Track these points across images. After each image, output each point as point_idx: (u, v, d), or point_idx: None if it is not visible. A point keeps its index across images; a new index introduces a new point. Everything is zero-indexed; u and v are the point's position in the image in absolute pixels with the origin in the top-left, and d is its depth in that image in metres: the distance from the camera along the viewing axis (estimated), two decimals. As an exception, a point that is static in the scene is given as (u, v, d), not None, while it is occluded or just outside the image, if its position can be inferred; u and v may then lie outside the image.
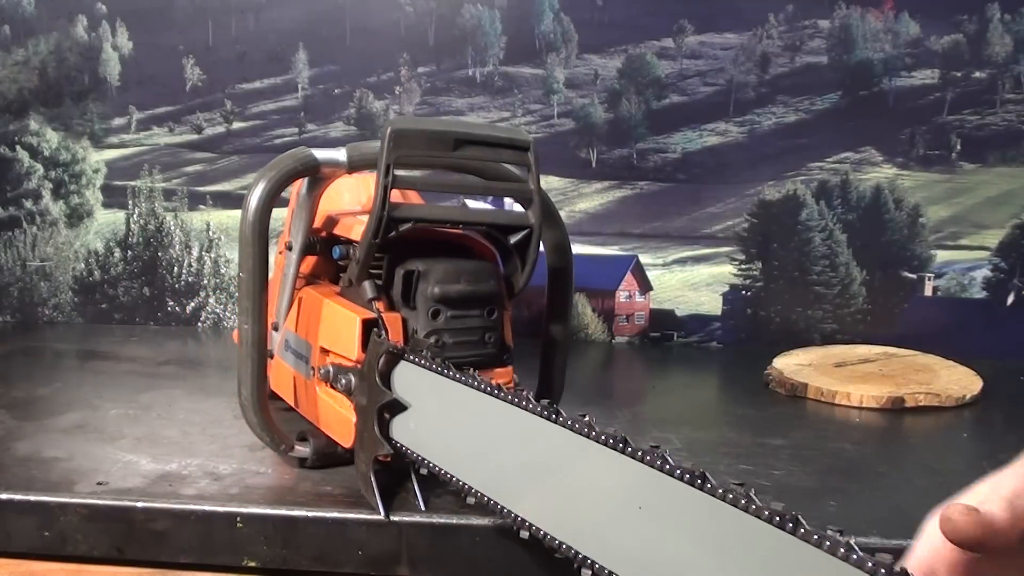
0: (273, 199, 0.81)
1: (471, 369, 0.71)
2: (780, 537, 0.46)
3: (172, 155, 1.44)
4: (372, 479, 0.79)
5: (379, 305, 0.82)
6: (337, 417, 0.83)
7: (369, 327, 0.81)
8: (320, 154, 0.83)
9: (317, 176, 0.86)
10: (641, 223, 1.42)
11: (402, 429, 0.76)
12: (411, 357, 0.76)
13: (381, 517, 0.78)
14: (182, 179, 1.45)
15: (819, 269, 1.42)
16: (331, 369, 0.82)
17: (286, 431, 0.88)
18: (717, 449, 0.99)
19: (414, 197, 0.94)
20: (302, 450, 0.87)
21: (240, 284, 0.81)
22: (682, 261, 1.43)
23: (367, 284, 0.82)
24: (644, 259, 1.43)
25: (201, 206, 1.45)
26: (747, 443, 1.00)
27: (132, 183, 1.45)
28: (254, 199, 0.80)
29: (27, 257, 1.47)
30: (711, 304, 1.44)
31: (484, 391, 0.67)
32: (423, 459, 0.73)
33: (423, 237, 0.84)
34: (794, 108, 1.39)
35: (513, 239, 0.85)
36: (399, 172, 0.79)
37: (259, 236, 0.81)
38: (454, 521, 0.80)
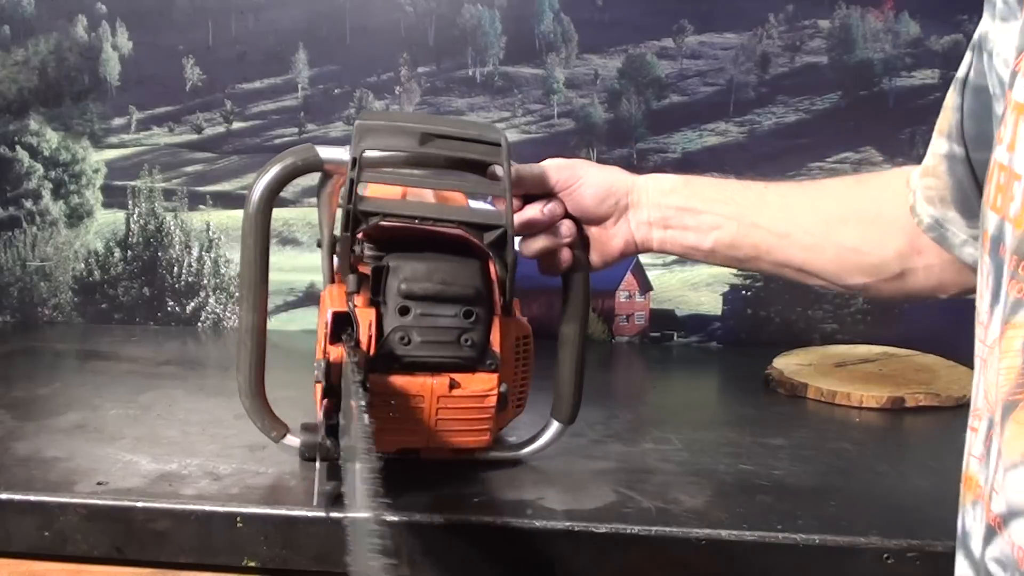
0: (275, 194, 0.82)
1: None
2: None
3: (172, 155, 1.44)
4: (316, 468, 0.80)
5: (359, 299, 0.83)
6: None
7: (338, 320, 0.82)
8: (324, 152, 0.83)
9: (323, 173, 0.86)
10: (641, 223, 1.41)
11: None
12: (345, 358, 0.77)
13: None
14: (182, 179, 1.45)
15: (819, 269, 1.41)
16: (322, 362, 0.84)
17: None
18: (717, 449, 0.99)
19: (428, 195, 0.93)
20: (293, 440, 0.88)
21: (240, 274, 0.84)
22: (682, 261, 1.43)
23: (351, 278, 0.83)
24: (644, 259, 1.43)
25: (201, 206, 1.45)
26: (747, 443, 1.01)
27: (132, 183, 1.45)
28: (255, 193, 0.82)
29: (27, 257, 1.47)
30: (711, 304, 1.44)
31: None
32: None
33: (422, 234, 0.84)
34: (794, 108, 1.39)
35: (488, 239, 0.82)
36: (392, 170, 0.80)
37: (259, 229, 0.82)
38: (454, 521, 0.80)
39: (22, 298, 1.48)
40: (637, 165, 1.40)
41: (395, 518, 0.80)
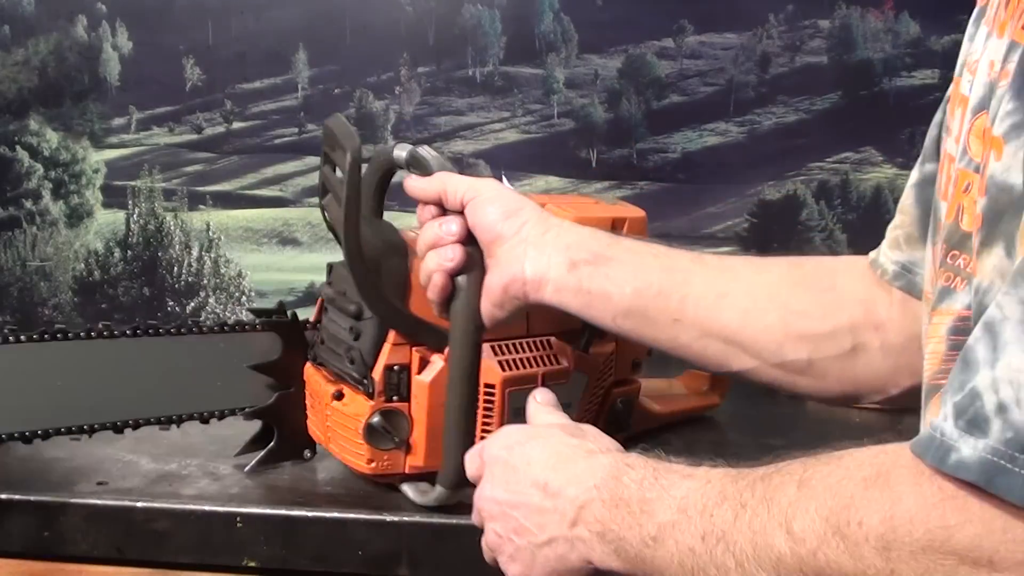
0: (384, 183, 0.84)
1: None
2: None
3: (172, 155, 1.44)
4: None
5: None
6: None
7: (322, 303, 0.86)
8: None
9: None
10: (641, 223, 1.41)
11: None
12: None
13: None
14: (182, 179, 1.45)
15: (819, 269, 1.41)
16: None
17: None
18: (717, 449, 0.99)
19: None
20: None
21: None
22: (682, 261, 1.43)
23: None
24: (644, 259, 1.43)
25: (201, 206, 1.45)
26: (747, 443, 1.00)
27: (132, 183, 1.45)
28: None
29: (27, 257, 1.47)
30: (711, 304, 1.44)
31: None
32: None
33: None
34: (794, 108, 1.39)
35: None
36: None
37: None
38: (454, 521, 0.80)
39: (22, 298, 1.48)
40: (637, 165, 1.40)
41: (395, 518, 0.80)
